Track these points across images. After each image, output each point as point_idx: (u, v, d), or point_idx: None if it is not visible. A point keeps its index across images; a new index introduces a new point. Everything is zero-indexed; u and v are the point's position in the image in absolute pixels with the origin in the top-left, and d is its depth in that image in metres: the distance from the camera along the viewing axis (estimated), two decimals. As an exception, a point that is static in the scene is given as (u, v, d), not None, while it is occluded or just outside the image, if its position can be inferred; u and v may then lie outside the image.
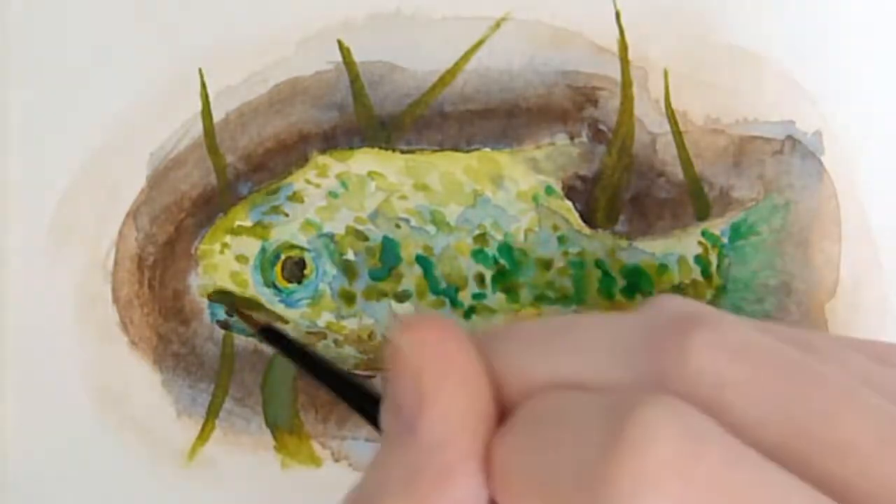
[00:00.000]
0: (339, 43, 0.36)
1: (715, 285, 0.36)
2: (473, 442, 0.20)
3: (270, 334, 0.33)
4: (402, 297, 0.35)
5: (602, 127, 0.36)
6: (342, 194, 0.36)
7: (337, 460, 0.36)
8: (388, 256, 0.35)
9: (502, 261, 0.36)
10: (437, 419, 0.20)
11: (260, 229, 0.36)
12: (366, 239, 0.35)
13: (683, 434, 0.18)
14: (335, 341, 0.36)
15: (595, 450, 0.18)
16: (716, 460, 0.18)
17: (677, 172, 0.36)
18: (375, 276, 0.35)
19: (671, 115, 0.36)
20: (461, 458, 0.20)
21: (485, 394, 0.20)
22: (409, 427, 0.20)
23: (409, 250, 0.35)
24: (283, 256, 0.36)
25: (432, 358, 0.20)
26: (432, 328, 0.21)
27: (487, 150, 0.36)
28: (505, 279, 0.35)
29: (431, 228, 0.36)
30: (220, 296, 0.36)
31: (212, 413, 0.36)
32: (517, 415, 0.20)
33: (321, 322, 0.35)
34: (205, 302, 0.36)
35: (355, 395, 0.28)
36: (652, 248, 0.36)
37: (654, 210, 0.36)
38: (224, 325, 0.36)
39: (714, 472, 0.17)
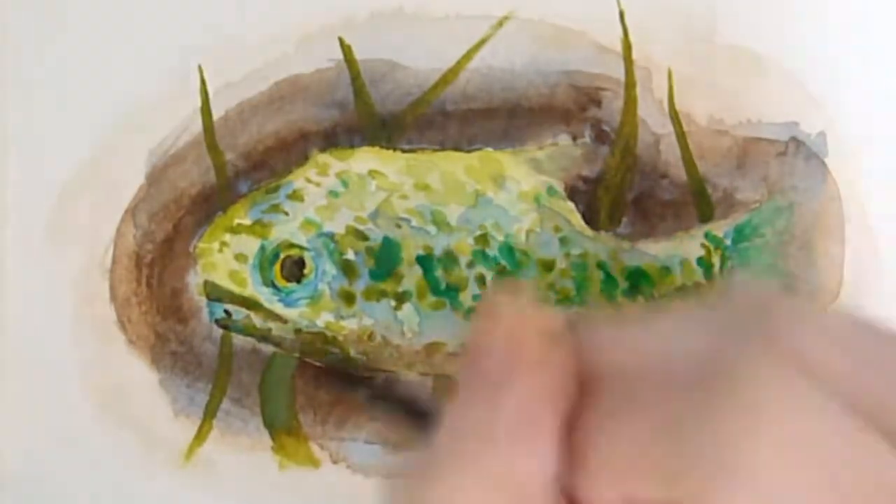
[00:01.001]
0: (341, 40, 0.36)
1: (717, 288, 0.36)
2: (555, 417, 0.20)
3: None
4: (402, 298, 0.35)
5: (605, 127, 0.36)
6: (342, 193, 0.35)
7: (335, 462, 0.36)
8: (388, 256, 0.35)
9: (503, 262, 0.35)
10: (526, 388, 0.20)
11: (259, 228, 0.35)
12: (366, 239, 0.35)
13: (786, 389, 0.18)
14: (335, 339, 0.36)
15: (695, 407, 0.18)
16: (819, 420, 0.17)
17: (681, 174, 0.36)
18: (375, 276, 0.35)
19: (675, 116, 0.36)
20: (543, 422, 0.19)
21: (569, 366, 0.20)
22: (495, 390, 0.20)
23: (409, 250, 0.35)
24: (282, 255, 0.35)
25: (522, 326, 0.20)
26: (526, 300, 0.21)
27: (489, 149, 0.36)
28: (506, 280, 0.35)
29: (432, 228, 0.35)
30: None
31: (209, 413, 0.36)
32: (608, 386, 0.20)
33: (320, 322, 0.35)
34: (203, 301, 0.36)
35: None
36: (654, 250, 0.36)
37: (656, 211, 0.36)
38: (222, 325, 0.36)
39: (817, 434, 0.17)
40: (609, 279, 0.36)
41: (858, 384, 0.19)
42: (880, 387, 0.19)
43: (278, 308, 0.35)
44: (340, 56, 0.36)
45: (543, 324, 0.20)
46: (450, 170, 0.36)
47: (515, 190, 0.36)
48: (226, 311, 0.35)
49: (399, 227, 0.35)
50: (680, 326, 0.20)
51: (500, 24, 0.36)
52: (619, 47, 0.36)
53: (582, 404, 0.20)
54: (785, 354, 0.19)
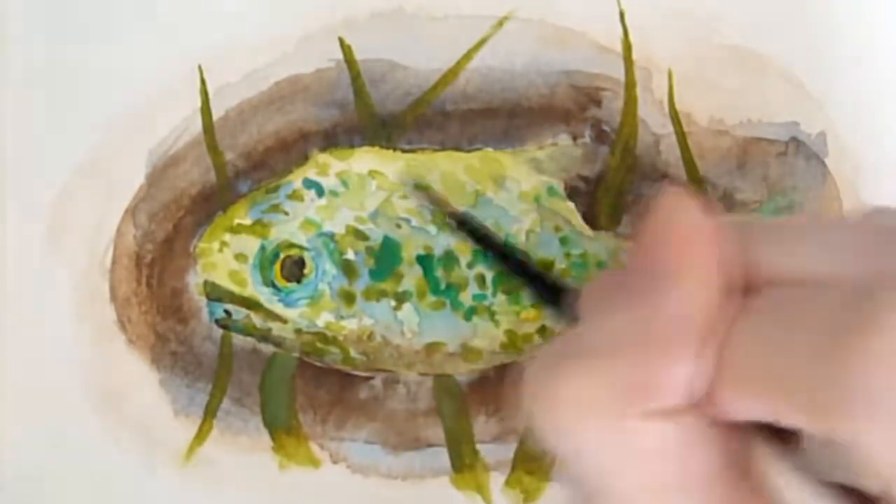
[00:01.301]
0: (341, 40, 0.36)
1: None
2: (716, 323, 0.19)
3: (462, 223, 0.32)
4: (402, 298, 0.35)
5: (605, 127, 0.36)
6: (342, 193, 0.35)
7: (335, 462, 0.36)
8: (388, 256, 0.35)
9: (503, 262, 0.35)
10: (690, 292, 0.20)
11: (259, 228, 0.35)
12: (366, 238, 0.35)
13: None
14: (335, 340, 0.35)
15: (835, 335, 0.18)
16: None
17: (681, 174, 0.36)
18: (375, 276, 0.35)
19: (675, 116, 0.36)
20: (691, 329, 0.19)
21: (720, 274, 0.20)
22: (651, 292, 0.20)
23: (409, 250, 0.35)
24: (282, 255, 0.35)
25: (680, 229, 0.20)
26: (685, 204, 0.21)
27: (489, 149, 0.36)
28: (506, 280, 0.35)
29: (432, 228, 0.35)
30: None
31: (209, 413, 0.36)
32: (758, 300, 0.20)
33: (320, 322, 0.35)
34: (203, 300, 0.36)
35: (540, 283, 0.28)
36: (654, 251, 0.36)
37: (656, 212, 0.36)
38: (222, 325, 0.36)
39: None
40: (609, 279, 0.36)
41: None
42: None
43: (278, 308, 0.35)
44: (340, 56, 0.36)
45: (709, 231, 0.20)
46: (450, 170, 0.36)
47: (515, 190, 0.36)
48: (226, 311, 0.35)
49: (399, 226, 0.35)
50: (837, 242, 0.20)
51: (500, 24, 0.36)
52: (619, 47, 0.36)
53: (742, 308, 0.20)
54: None
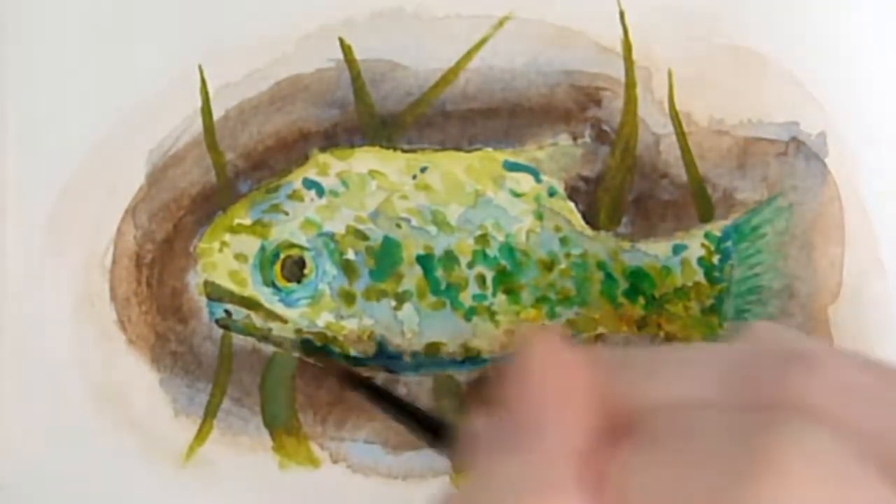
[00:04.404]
0: (341, 40, 0.36)
1: (718, 288, 0.36)
2: (591, 460, 0.20)
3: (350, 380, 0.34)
4: (402, 298, 0.35)
5: (605, 127, 0.36)
6: (343, 193, 0.35)
7: (335, 462, 0.36)
8: (388, 256, 0.35)
9: (503, 262, 0.35)
10: (559, 437, 0.20)
11: (259, 228, 0.35)
12: (366, 238, 0.35)
13: (820, 456, 0.18)
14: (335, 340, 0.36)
15: (729, 466, 0.18)
16: (850, 485, 0.18)
17: (681, 174, 0.36)
18: (376, 276, 0.35)
19: (675, 116, 0.36)
20: (578, 474, 0.20)
21: (600, 415, 0.20)
22: (525, 441, 0.20)
23: (409, 250, 0.35)
24: (282, 255, 0.35)
25: (556, 377, 0.21)
26: (556, 350, 0.21)
27: (489, 149, 0.36)
28: (506, 280, 0.35)
29: (432, 228, 0.35)
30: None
31: (209, 413, 0.36)
32: (637, 432, 0.20)
33: (320, 322, 0.35)
34: (203, 300, 0.36)
35: (424, 424, 0.29)
36: (655, 250, 0.36)
37: (657, 211, 0.36)
38: (223, 325, 0.36)
39: (848, 499, 0.17)
40: (609, 279, 0.36)
41: (879, 432, 0.19)
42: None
43: (278, 308, 0.35)
44: (341, 56, 0.36)
45: (578, 374, 0.21)
46: (450, 170, 0.36)
47: (515, 190, 0.36)
48: (226, 311, 0.35)
49: (399, 226, 0.35)
50: (702, 369, 0.20)
51: (500, 24, 0.36)
52: (619, 47, 0.36)
53: (615, 442, 0.20)
54: (813, 415, 0.19)
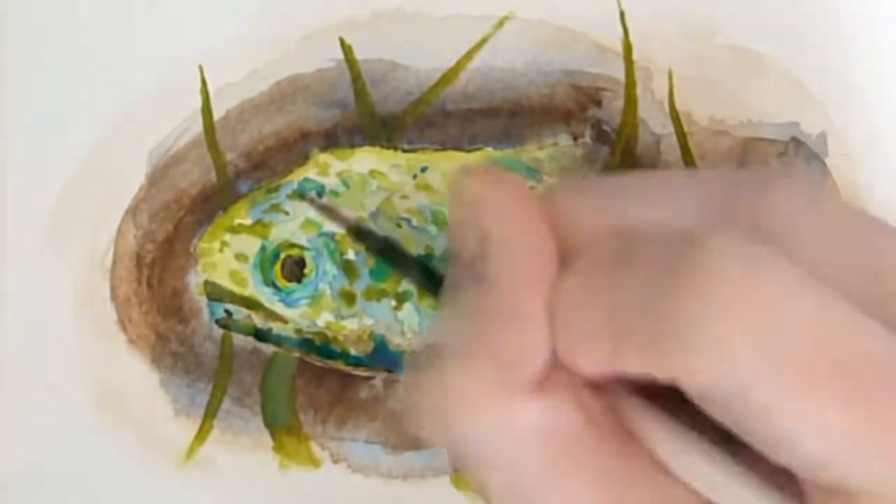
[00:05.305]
0: (341, 40, 0.36)
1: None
2: (539, 285, 0.20)
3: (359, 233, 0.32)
4: (402, 298, 0.35)
5: (605, 128, 0.36)
6: (343, 193, 0.35)
7: (336, 461, 0.36)
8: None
9: (504, 261, 0.35)
10: (503, 264, 0.20)
11: (260, 228, 0.35)
12: (366, 238, 0.35)
13: (747, 258, 0.18)
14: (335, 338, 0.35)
15: (660, 278, 0.18)
16: (782, 285, 0.17)
17: (681, 174, 0.36)
18: (376, 276, 0.35)
19: (675, 116, 0.36)
20: (529, 300, 0.20)
21: (547, 240, 0.20)
22: (475, 275, 0.20)
23: (410, 250, 0.35)
24: (282, 255, 0.35)
25: (496, 206, 0.20)
26: (496, 179, 0.21)
27: (490, 149, 0.36)
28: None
29: (433, 228, 0.35)
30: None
31: (210, 413, 0.36)
32: (581, 256, 0.20)
33: (321, 322, 0.35)
34: (204, 300, 0.36)
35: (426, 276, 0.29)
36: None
37: (657, 211, 0.36)
38: (223, 325, 0.36)
39: (779, 297, 0.17)
40: (610, 279, 0.36)
41: (841, 270, 0.19)
42: (860, 275, 0.19)
43: (279, 308, 0.35)
44: (341, 56, 0.36)
45: (511, 203, 0.21)
46: (450, 170, 0.36)
47: (516, 190, 0.36)
48: (226, 311, 0.35)
49: (400, 226, 0.35)
50: (667, 194, 0.21)
51: (501, 24, 0.36)
52: (619, 47, 0.36)
53: (563, 271, 0.20)
54: (760, 230, 0.19)
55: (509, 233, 0.20)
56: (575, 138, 0.36)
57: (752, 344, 0.17)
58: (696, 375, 0.18)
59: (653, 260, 0.19)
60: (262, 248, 0.35)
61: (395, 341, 0.35)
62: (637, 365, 0.19)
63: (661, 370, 0.18)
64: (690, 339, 0.17)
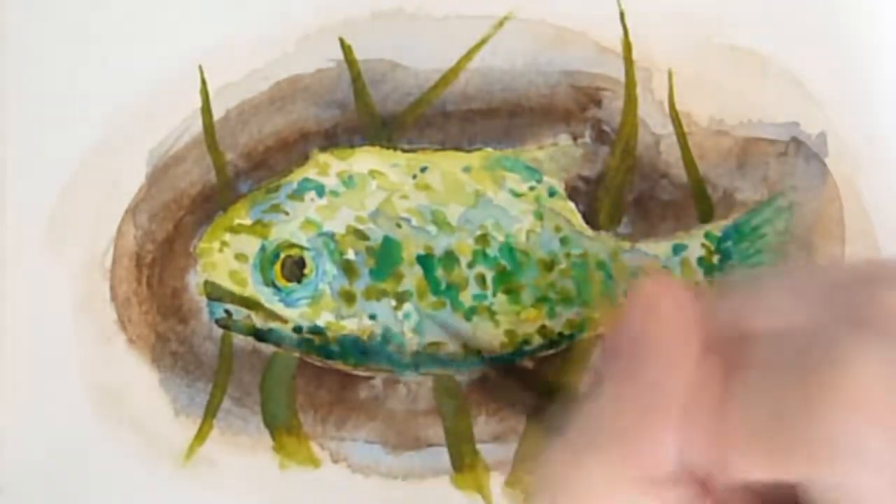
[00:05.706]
0: (341, 41, 0.36)
1: (718, 288, 0.36)
2: (681, 390, 0.20)
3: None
4: (402, 298, 0.35)
5: (605, 128, 0.36)
6: (343, 193, 0.35)
7: (335, 461, 0.36)
8: (388, 256, 0.35)
9: (504, 262, 0.35)
10: (655, 368, 0.21)
11: (260, 228, 0.35)
12: (366, 238, 0.35)
13: (886, 358, 0.18)
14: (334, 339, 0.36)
15: (799, 380, 0.19)
16: None
17: (681, 174, 0.36)
18: (376, 276, 0.35)
19: (675, 117, 0.36)
20: (671, 402, 0.20)
21: (695, 348, 0.21)
22: (624, 371, 0.21)
23: (409, 250, 0.35)
24: (282, 255, 0.35)
25: (660, 315, 0.21)
26: (666, 288, 0.22)
27: (489, 149, 0.36)
28: (506, 280, 0.35)
29: (432, 228, 0.35)
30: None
31: (210, 413, 0.36)
32: (744, 363, 0.20)
33: (321, 322, 0.35)
34: (203, 300, 0.36)
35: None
36: (655, 251, 0.36)
37: (657, 212, 0.36)
38: (223, 325, 0.36)
39: None
40: (609, 279, 0.36)
41: None
42: None
43: (279, 308, 0.35)
44: (341, 56, 0.36)
45: (686, 304, 0.21)
46: (450, 170, 0.36)
47: (515, 190, 0.36)
48: (226, 311, 0.35)
49: (399, 226, 0.35)
50: (789, 298, 0.21)
51: (501, 24, 0.36)
52: (619, 47, 0.36)
53: (734, 369, 0.21)
54: (887, 333, 0.19)
55: (667, 344, 0.21)
56: (575, 138, 0.36)
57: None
58: (849, 489, 0.18)
59: (795, 361, 0.19)
60: (262, 248, 0.35)
61: (395, 341, 0.35)
62: (773, 476, 0.19)
63: (801, 477, 0.19)
64: (835, 457, 0.18)
